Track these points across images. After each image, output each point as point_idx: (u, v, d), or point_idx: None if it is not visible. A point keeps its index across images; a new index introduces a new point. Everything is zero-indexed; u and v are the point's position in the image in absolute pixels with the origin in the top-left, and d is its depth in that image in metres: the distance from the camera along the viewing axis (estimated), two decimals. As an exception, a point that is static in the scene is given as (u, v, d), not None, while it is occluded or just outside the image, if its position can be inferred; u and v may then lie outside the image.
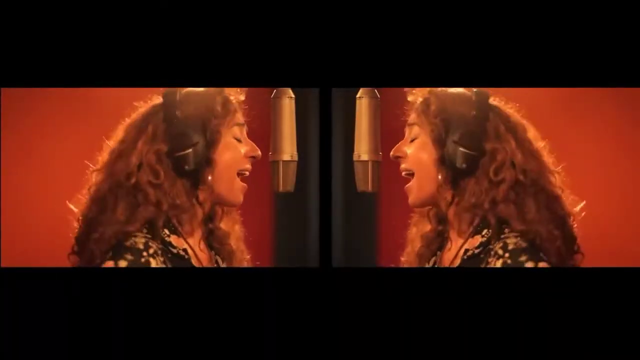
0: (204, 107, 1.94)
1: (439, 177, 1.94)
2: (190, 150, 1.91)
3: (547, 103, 2.37)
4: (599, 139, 2.50)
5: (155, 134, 1.92)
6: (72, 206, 1.94)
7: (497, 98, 2.00)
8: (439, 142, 1.94)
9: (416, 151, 1.97)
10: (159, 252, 1.86)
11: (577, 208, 1.95)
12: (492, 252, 1.86)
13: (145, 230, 1.87)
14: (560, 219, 1.91)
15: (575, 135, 2.48)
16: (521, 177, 1.90)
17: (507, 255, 1.85)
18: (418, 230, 2.05)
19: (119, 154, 1.92)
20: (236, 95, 1.99)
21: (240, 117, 1.98)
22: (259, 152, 1.98)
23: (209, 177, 1.93)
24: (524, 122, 1.98)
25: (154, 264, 1.84)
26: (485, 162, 1.92)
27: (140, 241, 1.85)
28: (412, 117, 2.00)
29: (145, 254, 1.84)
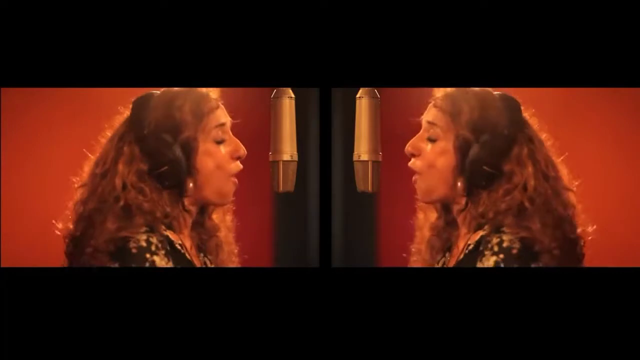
0: (174, 119, 1.91)
1: (457, 184, 1.93)
2: (166, 167, 1.89)
3: (546, 103, 2.38)
4: (599, 139, 2.51)
5: (132, 154, 1.90)
6: (56, 223, 1.94)
7: (528, 112, 1.97)
8: (463, 152, 1.91)
9: (434, 155, 1.94)
10: (160, 245, 1.84)
11: (589, 229, 1.93)
12: (489, 246, 1.85)
13: (145, 228, 1.86)
14: (566, 240, 1.89)
15: (574, 135, 2.48)
16: (526, 204, 1.88)
17: (500, 254, 1.83)
18: (426, 218, 2.05)
19: (103, 176, 1.90)
20: (214, 93, 1.97)
21: (219, 117, 1.95)
22: (243, 151, 1.96)
23: (192, 185, 1.91)
24: (544, 136, 1.96)
25: (158, 260, 1.83)
26: (501, 181, 1.90)
27: (142, 238, 1.83)
28: (435, 114, 1.96)
29: (147, 255, 1.82)
